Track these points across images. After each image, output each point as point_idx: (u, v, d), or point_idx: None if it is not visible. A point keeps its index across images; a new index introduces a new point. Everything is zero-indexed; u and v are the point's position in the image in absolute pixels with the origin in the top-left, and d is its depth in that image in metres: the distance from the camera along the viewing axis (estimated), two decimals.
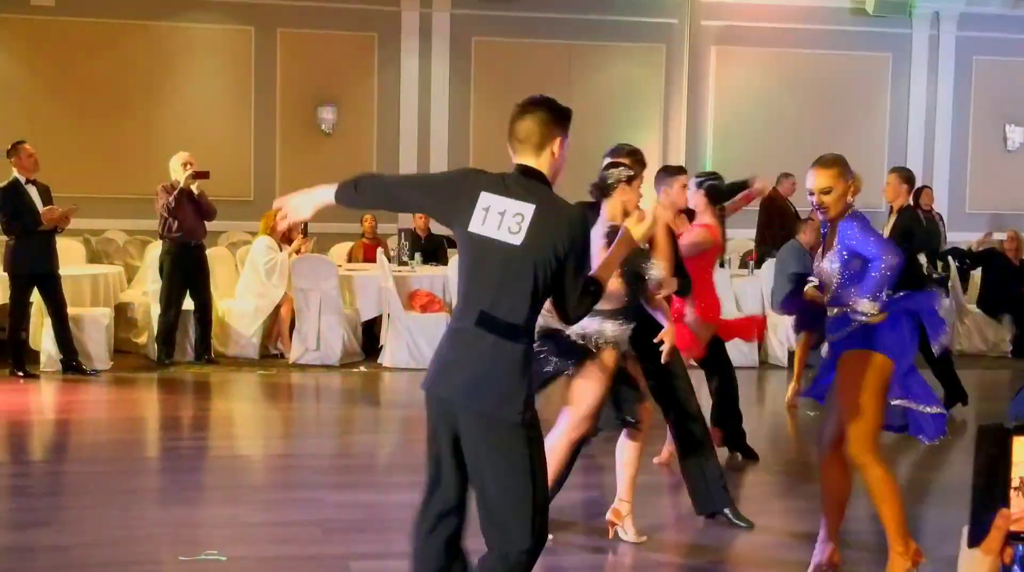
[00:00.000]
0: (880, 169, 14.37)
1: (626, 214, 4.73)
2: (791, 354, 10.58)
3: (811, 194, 4.62)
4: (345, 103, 13.50)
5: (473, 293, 3.39)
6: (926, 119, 14.65)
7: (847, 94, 14.51)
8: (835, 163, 4.61)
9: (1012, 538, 1.46)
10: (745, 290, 11.41)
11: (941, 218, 12.45)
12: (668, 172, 6.93)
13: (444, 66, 13.73)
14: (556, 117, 3.43)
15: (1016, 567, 1.50)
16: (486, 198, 3.38)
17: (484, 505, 3.35)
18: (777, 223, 12.12)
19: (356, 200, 3.57)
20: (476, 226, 3.37)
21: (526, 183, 3.39)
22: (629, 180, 5.06)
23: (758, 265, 11.97)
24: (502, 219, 3.34)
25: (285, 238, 11.19)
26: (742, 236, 13.63)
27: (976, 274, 12.63)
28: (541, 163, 3.42)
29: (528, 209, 3.32)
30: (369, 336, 11.15)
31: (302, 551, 5.26)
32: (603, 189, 5.10)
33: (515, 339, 3.32)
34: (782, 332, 10.84)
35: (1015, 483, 1.44)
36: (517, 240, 3.31)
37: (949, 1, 14.49)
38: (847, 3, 14.38)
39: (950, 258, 11.95)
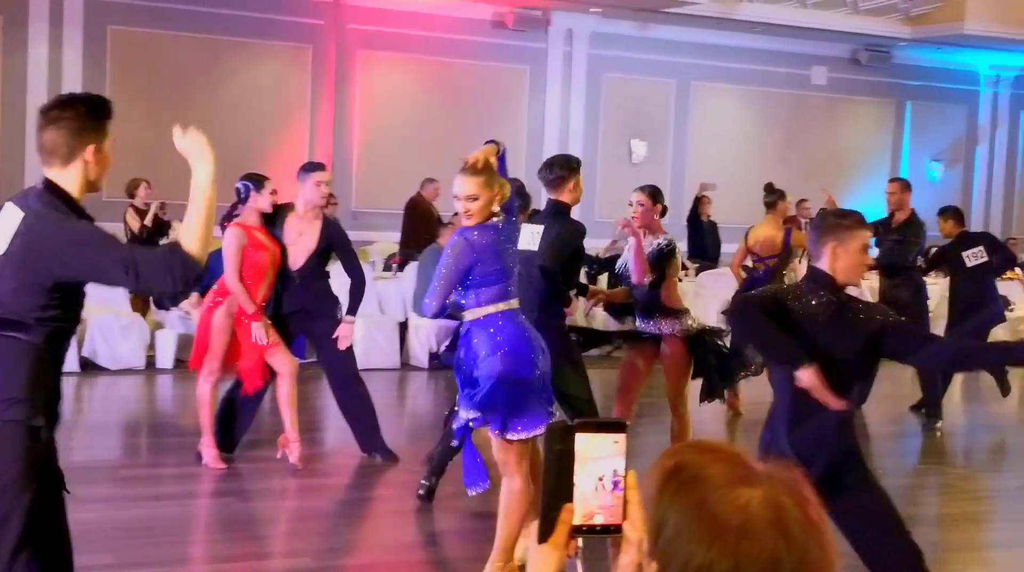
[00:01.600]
0: (518, 177, 14.85)
1: None
2: (432, 355, 10.73)
3: (457, 199, 4.62)
4: None
5: None
6: (560, 131, 15.09)
7: (489, 104, 14.74)
8: (482, 171, 4.58)
9: (575, 531, 1.49)
10: (388, 293, 11.47)
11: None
12: (306, 169, 6.90)
13: (77, 54, 12.93)
14: (87, 122, 3.21)
15: (578, 561, 1.52)
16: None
17: None
18: (421, 227, 12.25)
19: None
20: None
21: (39, 194, 3.22)
22: None
23: (401, 268, 12.08)
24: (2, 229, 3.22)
25: None
26: (387, 239, 13.70)
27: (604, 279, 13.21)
28: (70, 175, 3.22)
29: (17, 217, 3.19)
30: None
31: None
32: None
33: (7, 333, 3.20)
34: (423, 334, 10.94)
35: (578, 477, 1.47)
36: (1, 249, 3.22)
37: (582, 20, 15.00)
38: (488, 15, 14.64)
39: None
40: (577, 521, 1.48)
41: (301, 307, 6.76)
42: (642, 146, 15.53)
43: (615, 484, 1.47)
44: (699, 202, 14.13)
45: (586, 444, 1.47)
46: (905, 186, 8.94)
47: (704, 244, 13.97)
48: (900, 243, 8.71)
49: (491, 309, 4.57)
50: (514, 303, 4.62)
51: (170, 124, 3.29)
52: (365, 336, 10.28)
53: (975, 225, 18.13)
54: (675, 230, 14.58)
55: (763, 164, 15.49)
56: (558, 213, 5.84)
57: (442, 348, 8.38)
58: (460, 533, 5.84)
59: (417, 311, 10.38)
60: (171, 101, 12.77)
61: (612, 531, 1.48)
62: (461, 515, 6.01)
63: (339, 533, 5.77)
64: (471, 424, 4.60)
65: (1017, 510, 6.91)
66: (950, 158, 17.77)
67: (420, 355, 10.97)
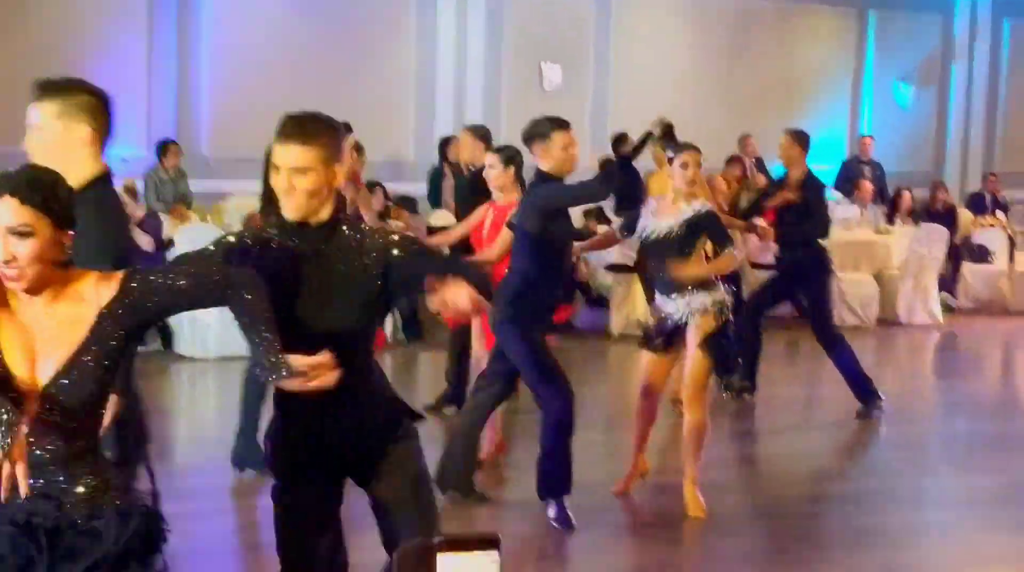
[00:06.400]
0: (407, 109, 14.16)
1: None
2: None
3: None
4: None
5: None
6: (456, 54, 14.54)
7: (367, 23, 14.11)
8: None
9: None
10: None
11: None
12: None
13: None
14: None
15: None
16: None
17: None
18: None
19: None
20: None
21: None
22: None
23: None
24: None
25: None
26: (245, 190, 12.69)
27: None
28: None
29: None
30: None
31: None
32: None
33: None
34: None
35: None
36: None
37: None
38: None
39: None
40: None
41: None
42: (555, 70, 14.96)
43: None
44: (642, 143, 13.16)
45: (452, 568, 1.51)
46: (795, 139, 8.88)
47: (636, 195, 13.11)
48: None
49: None
50: None
51: None
52: (221, 320, 9.84)
53: (951, 158, 17.76)
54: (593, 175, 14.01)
55: (702, 90, 15.28)
56: (540, 181, 6.19)
57: None
58: None
59: None
60: None
61: None
62: None
63: None
64: None
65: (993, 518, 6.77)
66: (922, 78, 17.44)
67: None
